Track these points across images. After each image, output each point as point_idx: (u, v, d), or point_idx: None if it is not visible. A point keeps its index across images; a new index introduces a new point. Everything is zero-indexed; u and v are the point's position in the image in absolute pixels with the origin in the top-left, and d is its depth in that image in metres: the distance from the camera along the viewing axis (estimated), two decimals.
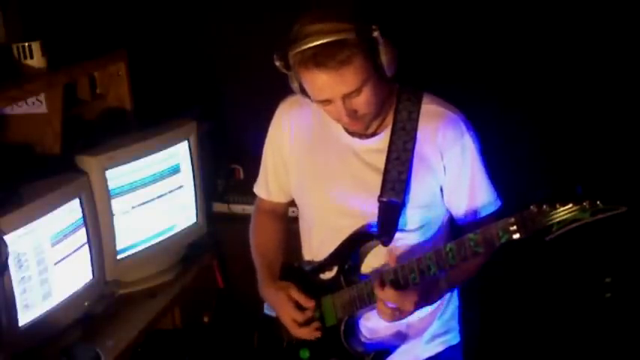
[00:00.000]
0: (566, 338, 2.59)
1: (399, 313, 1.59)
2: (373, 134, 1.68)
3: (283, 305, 1.76)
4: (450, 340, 1.82)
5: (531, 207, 1.44)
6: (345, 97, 1.53)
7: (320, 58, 1.48)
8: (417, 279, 1.57)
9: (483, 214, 1.70)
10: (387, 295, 1.56)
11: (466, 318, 1.88)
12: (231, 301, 2.69)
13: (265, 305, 1.93)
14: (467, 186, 1.68)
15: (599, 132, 2.48)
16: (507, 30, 2.49)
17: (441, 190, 1.68)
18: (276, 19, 2.68)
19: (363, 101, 1.55)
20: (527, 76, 2.52)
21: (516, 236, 1.46)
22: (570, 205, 1.40)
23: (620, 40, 2.40)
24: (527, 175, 2.41)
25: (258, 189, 1.95)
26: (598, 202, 1.39)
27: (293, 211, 1.95)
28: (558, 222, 1.42)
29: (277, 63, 1.58)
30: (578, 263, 2.54)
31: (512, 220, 1.46)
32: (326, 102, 1.56)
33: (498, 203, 1.71)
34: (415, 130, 1.64)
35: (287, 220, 1.97)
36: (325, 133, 1.73)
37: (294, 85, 1.61)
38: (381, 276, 1.60)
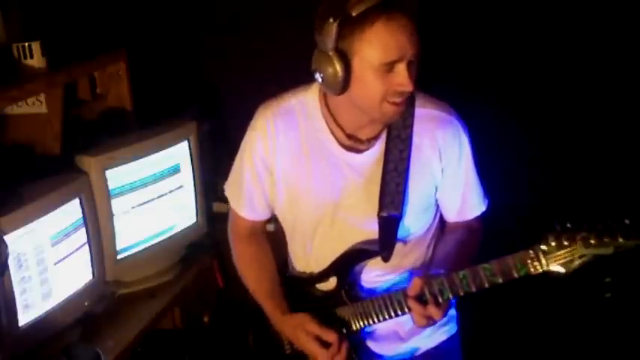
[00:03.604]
0: (566, 338, 2.59)
1: (432, 321, 1.57)
2: (368, 147, 1.63)
3: (306, 345, 1.67)
4: (449, 330, 1.83)
5: (550, 240, 1.42)
6: (411, 62, 1.46)
7: (403, 7, 1.43)
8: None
9: (473, 213, 1.72)
10: (430, 312, 1.53)
11: (462, 309, 1.89)
12: (231, 301, 2.69)
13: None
14: (461, 186, 1.68)
15: (591, 131, 2.50)
16: (495, 29, 2.50)
17: (436, 188, 1.68)
18: (275, 20, 2.70)
19: (414, 72, 1.49)
20: (515, 74, 2.53)
21: (536, 270, 1.45)
22: (592, 241, 1.38)
23: (610, 37, 2.41)
24: (515, 173, 2.43)
25: (240, 208, 1.80)
26: (620, 239, 1.37)
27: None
28: (580, 256, 1.40)
29: (334, 31, 1.43)
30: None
31: (532, 253, 1.44)
32: (390, 65, 1.45)
33: (486, 202, 1.73)
34: (410, 136, 1.60)
35: (266, 235, 1.88)
36: (315, 144, 1.65)
37: (336, 67, 1.46)
38: (419, 295, 1.55)
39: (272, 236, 1.89)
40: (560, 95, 2.51)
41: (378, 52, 1.44)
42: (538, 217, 2.50)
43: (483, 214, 1.74)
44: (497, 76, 2.53)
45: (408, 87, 1.48)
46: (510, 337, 2.62)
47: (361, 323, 1.68)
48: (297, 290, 1.77)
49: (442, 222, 1.77)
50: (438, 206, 1.73)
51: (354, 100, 1.54)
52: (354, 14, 1.42)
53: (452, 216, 1.73)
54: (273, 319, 1.77)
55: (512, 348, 2.63)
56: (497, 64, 2.53)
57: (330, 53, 1.46)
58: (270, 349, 1.87)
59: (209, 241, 2.65)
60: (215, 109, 2.87)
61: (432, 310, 1.53)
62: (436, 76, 1.96)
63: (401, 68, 1.46)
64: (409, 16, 1.44)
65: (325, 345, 1.65)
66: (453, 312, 1.83)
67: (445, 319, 1.77)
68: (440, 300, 1.54)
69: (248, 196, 1.77)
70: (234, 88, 2.84)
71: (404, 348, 1.77)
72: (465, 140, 1.65)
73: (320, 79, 1.52)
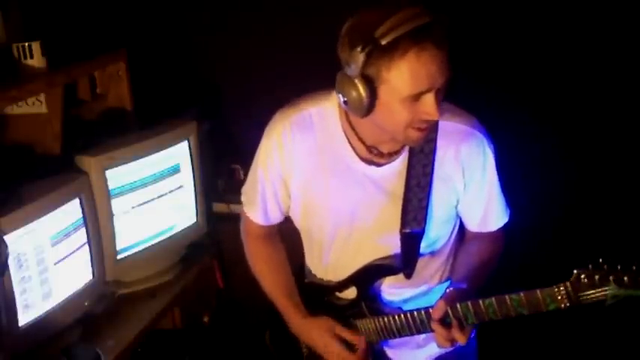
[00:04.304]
0: (566, 337, 2.59)
1: (456, 343, 1.55)
2: (388, 160, 1.59)
3: (331, 346, 1.69)
4: None
5: (582, 278, 1.38)
6: (439, 90, 1.41)
7: (435, 36, 1.35)
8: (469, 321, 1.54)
9: (495, 225, 1.70)
10: (454, 336, 1.52)
11: None
12: (231, 301, 2.69)
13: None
14: (484, 199, 1.66)
15: (607, 136, 2.48)
16: (514, 36, 2.48)
17: (457, 201, 1.66)
18: (276, 20, 2.69)
19: (442, 97, 1.44)
20: (534, 78, 2.50)
21: (565, 305, 1.42)
22: (626, 281, 1.33)
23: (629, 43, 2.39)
24: (538, 183, 2.41)
25: (254, 215, 1.79)
26: None
27: None
28: (613, 296, 1.35)
29: (361, 60, 1.36)
30: (578, 262, 2.54)
31: (562, 289, 1.40)
32: (418, 95, 1.40)
33: (508, 212, 1.71)
34: (434, 151, 1.56)
35: (280, 234, 1.88)
36: (333, 156, 1.61)
37: (361, 94, 1.40)
38: (442, 318, 1.54)
39: (282, 231, 1.88)
40: (589, 105, 2.47)
41: (408, 84, 1.38)
42: (562, 228, 2.51)
43: (505, 225, 1.71)
44: (521, 82, 2.50)
45: (435, 116, 1.43)
46: (526, 340, 2.61)
47: (381, 336, 1.68)
48: (316, 297, 1.76)
49: (461, 230, 1.75)
50: (458, 216, 1.71)
51: (377, 123, 1.49)
52: (383, 43, 1.35)
53: (473, 227, 1.71)
54: (289, 320, 1.77)
55: (527, 350, 2.63)
56: (520, 71, 2.50)
57: (356, 80, 1.40)
58: (287, 348, 1.86)
59: (209, 241, 2.65)
60: (215, 109, 2.86)
61: (457, 334, 1.51)
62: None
63: (429, 98, 1.40)
64: (440, 44, 1.36)
65: (352, 349, 1.67)
66: None
67: None
68: (464, 324, 1.52)
69: (262, 204, 1.76)
70: (234, 88, 2.84)
71: (421, 354, 1.77)
72: (489, 154, 1.60)
73: (343, 102, 1.46)
